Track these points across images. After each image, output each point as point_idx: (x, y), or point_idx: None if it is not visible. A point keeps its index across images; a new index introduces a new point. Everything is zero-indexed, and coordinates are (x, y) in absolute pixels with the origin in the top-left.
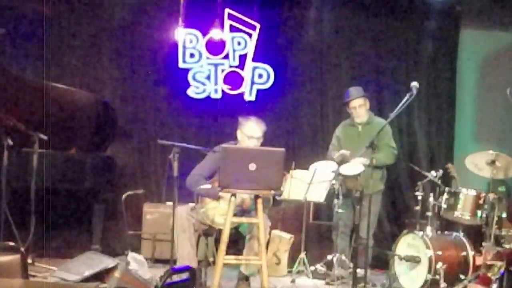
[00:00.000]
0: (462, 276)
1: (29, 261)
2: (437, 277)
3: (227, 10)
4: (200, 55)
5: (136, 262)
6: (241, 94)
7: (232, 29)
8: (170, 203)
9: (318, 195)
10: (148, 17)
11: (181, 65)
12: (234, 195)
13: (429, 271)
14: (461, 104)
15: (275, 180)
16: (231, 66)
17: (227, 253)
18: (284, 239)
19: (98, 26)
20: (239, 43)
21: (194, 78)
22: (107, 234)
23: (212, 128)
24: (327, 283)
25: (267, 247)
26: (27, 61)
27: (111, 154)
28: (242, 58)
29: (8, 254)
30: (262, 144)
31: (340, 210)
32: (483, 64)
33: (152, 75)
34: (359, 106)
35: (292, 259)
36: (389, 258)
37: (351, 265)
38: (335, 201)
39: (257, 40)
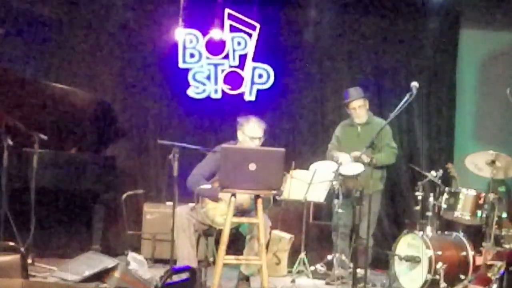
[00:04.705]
0: (462, 276)
1: (29, 261)
2: (437, 277)
3: (227, 10)
4: (200, 55)
5: (136, 262)
6: (241, 94)
7: (232, 29)
8: (170, 203)
9: (318, 195)
10: (148, 17)
11: (181, 65)
12: (234, 195)
13: (429, 271)
14: (461, 104)
15: (275, 180)
16: (231, 66)
17: (227, 253)
18: (284, 239)
19: (98, 26)
20: (239, 43)
21: (194, 78)
22: (107, 234)
23: (212, 128)
24: (327, 283)
25: (267, 247)
26: (27, 61)
27: (111, 154)
28: (242, 58)
29: (8, 254)
30: (262, 144)
31: (340, 210)
32: (483, 64)
33: (152, 75)
34: (359, 107)
35: (292, 259)
36: (389, 258)
37: (351, 265)
38: (335, 201)
39: (257, 40)
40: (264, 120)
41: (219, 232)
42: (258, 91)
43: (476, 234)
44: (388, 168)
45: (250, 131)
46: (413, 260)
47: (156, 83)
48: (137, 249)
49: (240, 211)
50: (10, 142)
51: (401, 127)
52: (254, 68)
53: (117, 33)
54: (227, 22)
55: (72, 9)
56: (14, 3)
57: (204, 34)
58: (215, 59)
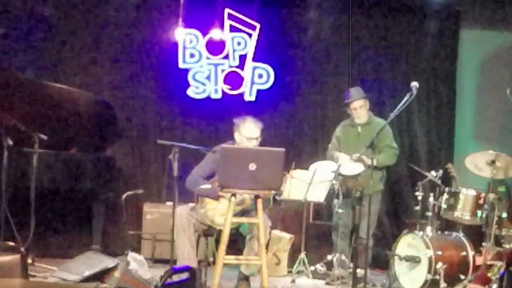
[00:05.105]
0: (462, 276)
1: (29, 261)
2: (437, 277)
3: (227, 10)
4: (200, 55)
5: (136, 262)
6: (241, 94)
7: (232, 29)
8: (170, 203)
9: (318, 195)
10: (148, 17)
11: (181, 65)
12: (234, 195)
13: (429, 271)
14: (461, 104)
15: (275, 180)
16: (231, 66)
17: (227, 253)
18: (284, 239)
19: (98, 26)
20: (239, 43)
21: (194, 78)
22: (107, 234)
23: (212, 128)
24: (327, 283)
25: (267, 247)
26: (27, 61)
27: (111, 154)
28: (242, 58)
29: (8, 254)
30: (262, 144)
31: (340, 210)
32: (483, 64)
33: (152, 75)
34: (359, 107)
35: (292, 259)
36: (389, 258)
37: (351, 265)
38: (335, 201)
39: (257, 40)
40: (264, 120)
41: (219, 232)
42: (258, 91)
43: (476, 234)
44: (388, 168)
45: (247, 132)
46: (413, 260)
47: (156, 83)
48: (137, 249)
49: (241, 210)
50: (10, 142)
51: (401, 127)
52: (254, 68)
53: (117, 33)
54: (227, 22)
55: (72, 9)
56: (14, 3)
57: (204, 34)
58: (215, 59)
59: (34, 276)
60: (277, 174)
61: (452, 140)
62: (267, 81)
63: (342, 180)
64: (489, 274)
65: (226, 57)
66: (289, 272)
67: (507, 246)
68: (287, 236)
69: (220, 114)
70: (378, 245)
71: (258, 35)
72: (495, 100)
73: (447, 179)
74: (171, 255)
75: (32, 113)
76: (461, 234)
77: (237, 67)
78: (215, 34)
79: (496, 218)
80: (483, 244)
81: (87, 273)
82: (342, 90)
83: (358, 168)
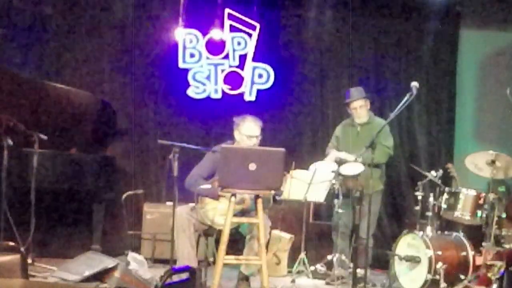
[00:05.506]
0: (462, 276)
1: (29, 261)
2: (437, 277)
3: (227, 10)
4: (200, 55)
5: (136, 262)
6: (241, 94)
7: (232, 29)
8: (170, 203)
9: (318, 195)
10: (148, 17)
11: (181, 65)
12: (234, 195)
13: (429, 271)
14: (461, 104)
15: (275, 180)
16: (231, 66)
17: (227, 253)
18: (284, 239)
19: (98, 26)
20: (239, 43)
21: (194, 78)
22: (107, 234)
23: (212, 128)
24: (327, 283)
25: (267, 247)
26: (27, 61)
27: (111, 154)
28: (242, 58)
29: (8, 254)
30: (262, 144)
31: (340, 210)
32: (483, 64)
33: (152, 75)
34: (360, 107)
35: (292, 259)
36: (389, 258)
37: (351, 265)
38: (335, 201)
39: (257, 40)
40: (264, 120)
41: (219, 232)
42: (258, 91)
43: (476, 234)
44: (388, 168)
45: (247, 130)
46: (413, 260)
47: (156, 83)
48: (137, 249)
49: (241, 210)
50: (10, 142)
51: (401, 127)
52: (254, 68)
53: (117, 33)
54: (227, 22)
55: (72, 9)
56: (14, 3)
57: (204, 34)
58: (215, 59)
59: (34, 276)
60: (277, 174)
61: (452, 140)
62: (267, 81)
63: (342, 180)
64: (489, 274)
65: (226, 57)
66: (289, 272)
67: (507, 246)
68: (287, 236)
69: (220, 114)
70: (378, 245)
71: (258, 35)
72: (495, 100)
73: (447, 179)
74: (171, 255)
75: (32, 113)
76: (461, 234)
77: (237, 67)
78: (215, 34)
79: (496, 218)
80: (483, 244)
81: (87, 273)
82: (342, 90)
83: (358, 168)
